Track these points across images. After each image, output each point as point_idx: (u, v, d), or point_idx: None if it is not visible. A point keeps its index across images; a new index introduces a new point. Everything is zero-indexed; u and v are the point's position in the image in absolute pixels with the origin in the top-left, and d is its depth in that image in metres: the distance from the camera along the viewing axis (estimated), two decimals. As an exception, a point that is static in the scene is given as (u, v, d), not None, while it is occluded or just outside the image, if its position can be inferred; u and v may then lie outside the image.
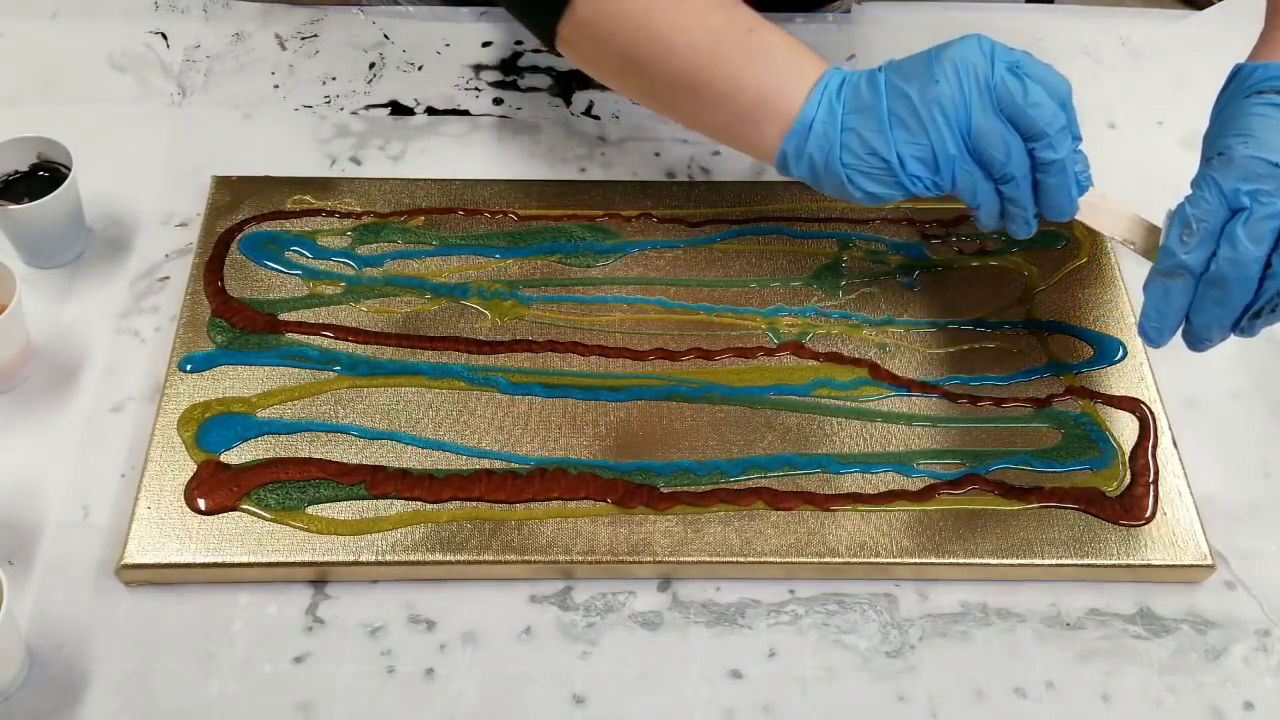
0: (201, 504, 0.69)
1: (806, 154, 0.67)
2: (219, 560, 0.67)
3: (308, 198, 0.84)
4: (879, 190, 0.66)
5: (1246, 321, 0.64)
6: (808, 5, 0.99)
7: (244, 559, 0.67)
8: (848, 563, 0.68)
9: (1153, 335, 0.67)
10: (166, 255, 0.82)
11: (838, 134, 0.66)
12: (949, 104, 0.64)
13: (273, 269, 0.80)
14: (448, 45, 0.96)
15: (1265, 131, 0.63)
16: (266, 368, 0.75)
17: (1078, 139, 0.66)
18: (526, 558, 0.68)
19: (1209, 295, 0.64)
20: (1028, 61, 0.65)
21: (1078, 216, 0.68)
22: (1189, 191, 0.65)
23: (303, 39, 0.96)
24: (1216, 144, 0.65)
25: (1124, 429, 0.74)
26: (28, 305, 0.75)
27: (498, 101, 0.92)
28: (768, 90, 0.67)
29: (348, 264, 0.80)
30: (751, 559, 0.68)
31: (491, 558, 0.67)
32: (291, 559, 0.67)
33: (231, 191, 0.83)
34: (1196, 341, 0.67)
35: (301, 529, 0.68)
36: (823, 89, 0.66)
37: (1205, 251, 0.63)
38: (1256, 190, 0.62)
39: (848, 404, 0.75)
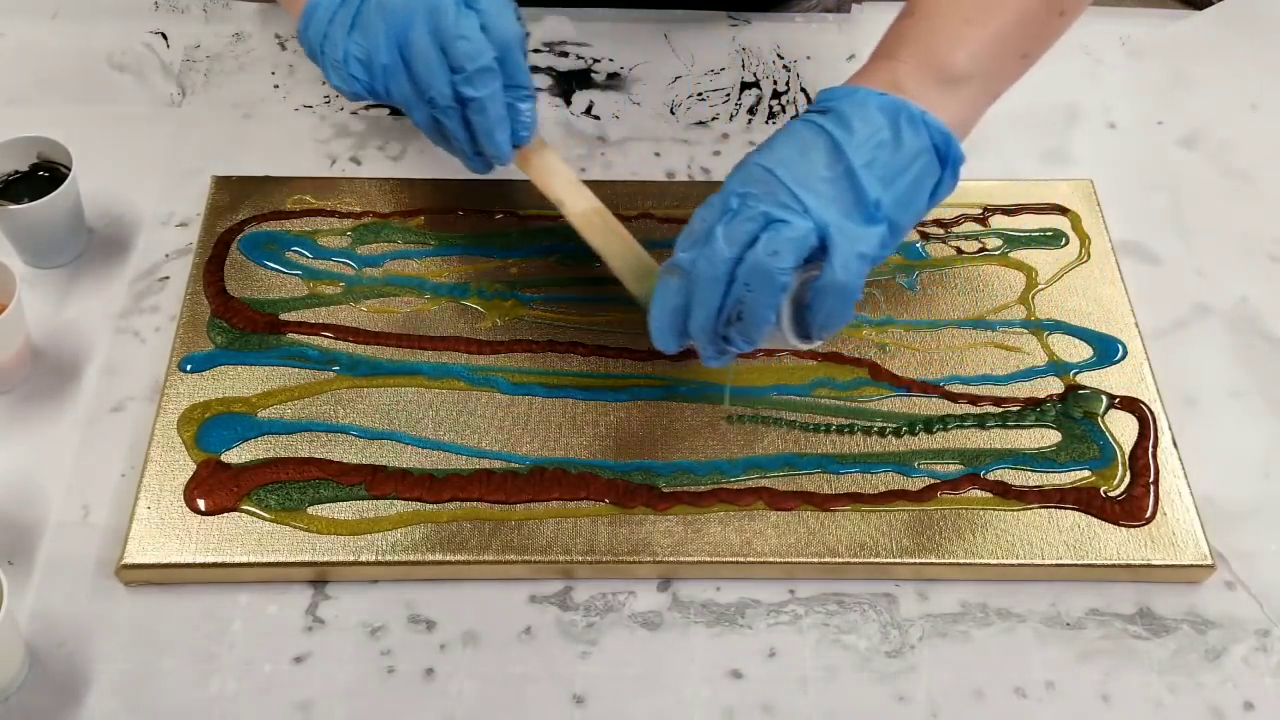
0: (201, 504, 0.69)
1: (307, 38, 0.69)
2: (219, 560, 0.67)
3: (308, 198, 0.84)
4: (341, 85, 0.68)
5: (723, 327, 0.62)
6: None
7: (244, 559, 0.67)
8: (848, 563, 0.68)
9: (657, 336, 0.65)
10: (166, 255, 0.82)
11: (325, 24, 0.67)
12: (393, 13, 0.65)
13: (273, 269, 0.80)
14: (448, 45, 0.96)
15: (781, 142, 0.62)
16: (266, 368, 0.75)
17: (522, 88, 0.67)
18: (526, 558, 0.68)
19: (693, 296, 0.62)
20: None
21: (518, 167, 0.70)
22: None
23: (303, 39, 0.96)
24: None
25: (1124, 429, 0.74)
26: (28, 305, 0.75)
27: (498, 101, 0.92)
28: None
29: (348, 264, 0.80)
30: (751, 559, 0.68)
31: (491, 558, 0.67)
32: (291, 559, 0.67)
33: (231, 191, 0.83)
34: (699, 347, 0.64)
35: (301, 529, 0.68)
36: None
37: (696, 252, 0.62)
38: (748, 194, 0.61)
39: (848, 404, 0.75)
